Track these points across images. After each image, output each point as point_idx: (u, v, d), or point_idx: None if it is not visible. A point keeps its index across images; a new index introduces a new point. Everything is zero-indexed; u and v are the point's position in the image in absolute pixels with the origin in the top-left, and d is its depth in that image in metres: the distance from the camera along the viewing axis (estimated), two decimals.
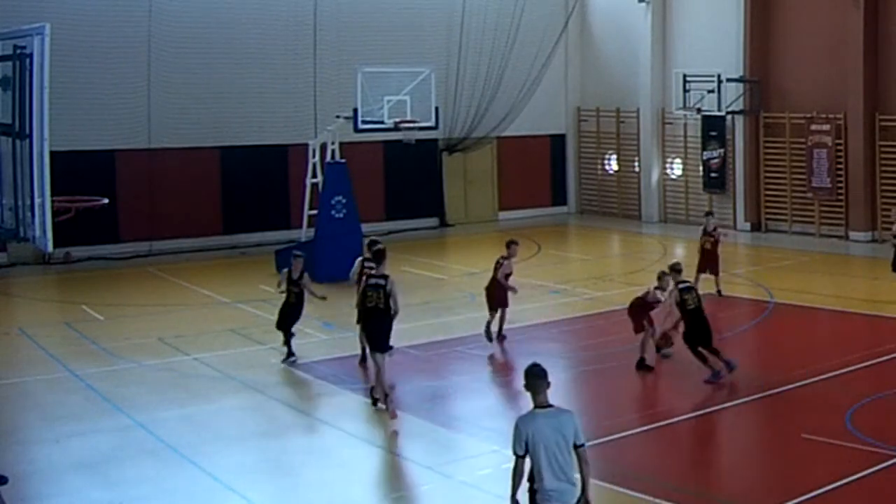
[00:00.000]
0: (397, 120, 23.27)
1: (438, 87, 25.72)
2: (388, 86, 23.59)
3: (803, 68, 28.55)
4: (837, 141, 27.67)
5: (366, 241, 17.45)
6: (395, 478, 11.97)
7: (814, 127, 28.08)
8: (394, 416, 13.36)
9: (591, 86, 34.60)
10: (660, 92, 31.93)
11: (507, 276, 17.35)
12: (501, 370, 16.61)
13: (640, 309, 15.88)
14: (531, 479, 7.90)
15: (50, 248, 9.87)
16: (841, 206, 27.86)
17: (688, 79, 30.03)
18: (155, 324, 19.20)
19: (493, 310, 17.25)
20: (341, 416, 14.53)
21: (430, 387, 15.36)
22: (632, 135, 33.30)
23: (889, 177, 27.03)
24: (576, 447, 7.87)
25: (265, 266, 24.69)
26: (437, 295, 21.28)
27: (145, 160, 27.59)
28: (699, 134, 31.15)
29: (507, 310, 17.45)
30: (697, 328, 14.77)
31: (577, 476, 7.99)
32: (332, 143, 24.01)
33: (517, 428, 7.82)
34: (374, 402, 14.00)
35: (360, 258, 15.11)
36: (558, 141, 35.21)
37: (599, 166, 34.60)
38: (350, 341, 16.78)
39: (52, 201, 9.67)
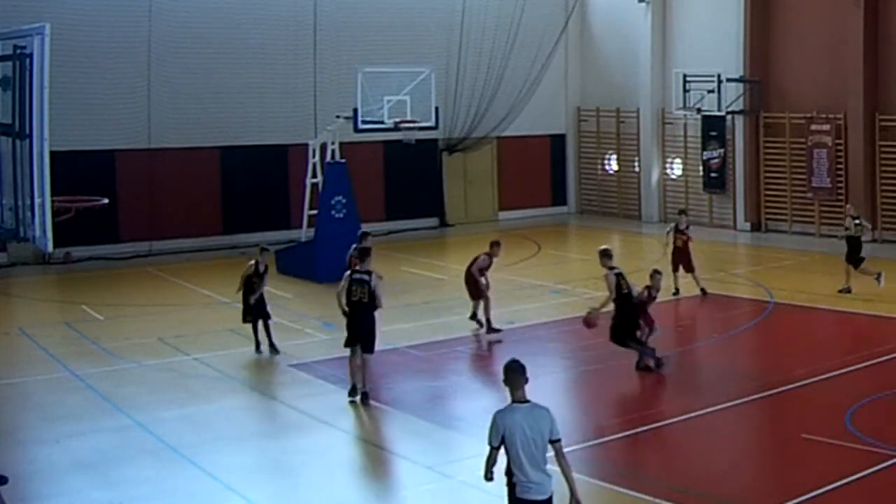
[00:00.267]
0: (397, 120, 23.26)
1: (438, 87, 25.71)
2: (388, 86, 23.58)
3: (803, 68, 28.55)
4: (837, 141, 27.67)
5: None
6: (395, 478, 11.97)
7: (814, 127, 28.09)
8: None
9: (591, 86, 34.61)
10: (660, 92, 31.94)
11: (482, 270, 18.07)
12: (500, 371, 16.59)
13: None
14: (509, 473, 8.12)
15: (50, 248, 9.88)
16: (841, 206, 27.80)
17: (688, 79, 30.04)
18: (155, 324, 19.20)
19: (472, 299, 18.16)
20: (341, 416, 14.53)
21: (430, 387, 15.38)
22: (632, 135, 33.30)
23: (889, 177, 27.04)
24: (552, 442, 8.10)
25: None
26: (437, 295, 21.28)
27: (145, 160, 27.59)
28: (699, 134, 31.15)
29: (490, 301, 18.04)
30: (627, 315, 15.25)
31: (551, 469, 8.22)
32: (332, 143, 24.00)
33: (494, 421, 8.06)
34: (364, 398, 14.33)
35: (347, 272, 14.96)
36: (558, 141, 35.22)
37: (599, 166, 34.61)
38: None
39: (52, 201, 9.67)
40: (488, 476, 8.25)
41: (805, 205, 28.77)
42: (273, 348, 17.09)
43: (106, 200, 13.02)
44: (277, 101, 29.15)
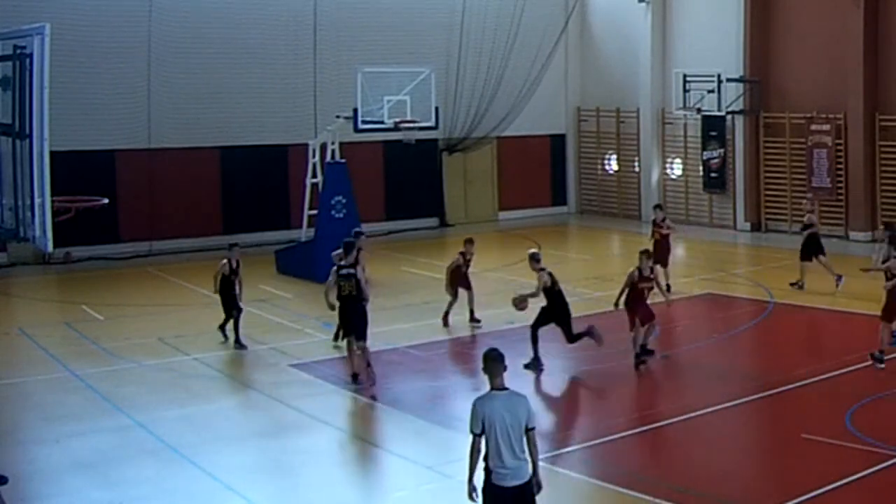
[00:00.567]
0: (397, 120, 23.26)
1: (438, 87, 25.71)
2: (388, 86, 23.58)
3: (803, 68, 28.55)
4: (837, 141, 27.67)
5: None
6: (395, 478, 11.96)
7: (814, 127, 28.09)
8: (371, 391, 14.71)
9: (591, 86, 34.61)
10: (660, 92, 31.94)
11: (458, 268, 18.73)
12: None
13: (635, 301, 15.88)
14: (485, 458, 8.30)
15: (50, 248, 9.88)
16: (841, 206, 27.86)
17: (688, 79, 30.04)
18: (155, 324, 19.21)
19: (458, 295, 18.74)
20: (341, 416, 14.56)
21: (430, 387, 15.38)
22: (632, 135, 33.30)
23: (889, 177, 27.04)
24: (527, 430, 8.29)
25: (265, 266, 24.70)
26: (437, 295, 21.20)
27: (145, 160, 27.60)
28: (699, 134, 31.15)
29: (471, 294, 18.71)
30: (554, 308, 15.89)
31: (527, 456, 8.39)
32: (332, 143, 24.00)
33: (474, 408, 8.27)
34: (355, 378, 15.04)
35: (333, 268, 15.48)
36: (558, 141, 35.22)
37: (599, 166, 34.61)
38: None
39: (52, 201, 9.67)
40: (472, 483, 8.35)
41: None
42: (239, 343, 17.36)
43: (106, 200, 13.01)
44: (277, 101, 29.15)
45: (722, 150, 30.50)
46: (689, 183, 31.90)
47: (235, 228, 28.50)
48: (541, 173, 34.95)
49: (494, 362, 8.36)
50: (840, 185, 27.81)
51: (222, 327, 17.82)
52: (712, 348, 17.33)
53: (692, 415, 13.39)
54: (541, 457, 11.74)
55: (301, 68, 29.59)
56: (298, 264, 23.55)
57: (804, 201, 23.31)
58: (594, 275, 23.30)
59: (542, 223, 32.61)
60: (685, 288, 21.80)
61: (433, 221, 32.52)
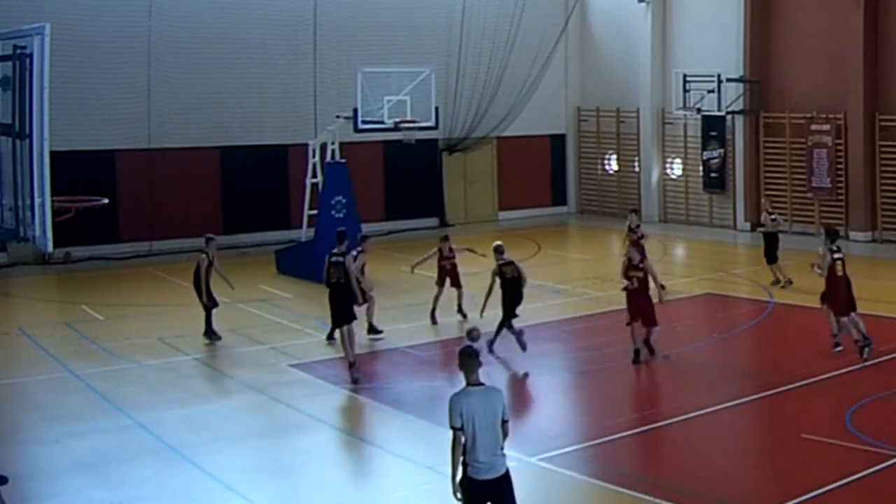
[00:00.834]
0: (397, 120, 23.26)
1: (438, 87, 25.70)
2: (388, 86, 23.58)
3: (803, 68, 28.55)
4: (837, 141, 27.67)
5: (358, 236, 18.91)
6: (395, 478, 11.96)
7: (814, 127, 28.08)
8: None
9: (591, 86, 34.61)
10: (660, 92, 31.94)
11: (447, 258, 19.37)
12: (500, 371, 16.60)
13: (634, 295, 15.90)
14: (462, 453, 8.48)
15: (50, 248, 9.86)
16: (841, 206, 27.85)
17: (688, 79, 30.04)
18: (155, 324, 19.21)
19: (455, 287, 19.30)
20: (341, 416, 14.57)
21: (430, 387, 15.36)
22: (632, 135, 33.30)
23: (889, 177, 27.04)
24: (502, 423, 8.51)
25: (265, 266, 24.72)
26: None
27: (145, 160, 27.60)
28: (699, 134, 31.16)
29: (460, 292, 19.18)
30: (510, 296, 16.60)
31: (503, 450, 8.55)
32: (332, 143, 24.00)
33: (452, 403, 8.44)
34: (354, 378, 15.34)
35: (327, 256, 16.17)
36: (558, 141, 35.22)
37: (599, 166, 34.61)
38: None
39: (52, 201, 9.66)
40: (456, 481, 8.48)
41: (805, 205, 28.76)
42: (209, 335, 17.73)
43: (106, 200, 12.98)
44: (277, 101, 29.16)
45: (722, 150, 30.50)
46: (689, 183, 31.91)
47: (235, 228, 28.53)
48: (541, 173, 34.96)
49: (470, 358, 8.57)
50: (840, 185, 27.81)
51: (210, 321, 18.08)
52: (712, 348, 17.32)
53: (692, 415, 13.39)
54: (541, 457, 11.88)
55: (301, 68, 29.59)
56: (298, 264, 23.55)
57: (763, 201, 23.82)
58: (594, 275, 23.31)
59: (542, 223, 32.62)
60: (685, 288, 21.80)
61: (433, 221, 32.52)
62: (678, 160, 32.31)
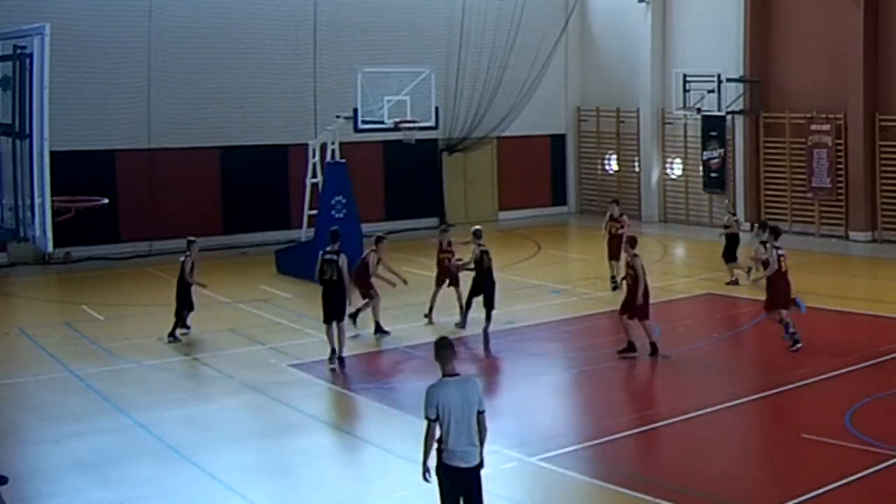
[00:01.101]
0: (397, 120, 23.25)
1: (438, 87, 25.69)
2: (388, 86, 23.58)
3: (803, 68, 28.55)
4: (837, 141, 27.66)
5: (372, 238, 19.14)
6: (395, 478, 11.95)
7: (814, 127, 28.08)
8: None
9: (591, 86, 34.61)
10: (660, 92, 31.94)
11: (445, 252, 19.51)
12: (501, 370, 16.62)
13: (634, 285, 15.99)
14: (439, 441, 8.64)
15: (50, 248, 9.86)
16: (841, 206, 27.85)
17: (688, 79, 30.03)
18: (155, 324, 19.18)
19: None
20: (341, 416, 14.57)
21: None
22: (632, 135, 33.30)
23: (889, 177, 27.03)
24: (478, 413, 8.64)
25: (265, 266, 24.72)
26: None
27: (145, 160, 27.59)
28: (699, 134, 31.15)
29: (458, 292, 19.02)
30: (482, 285, 17.45)
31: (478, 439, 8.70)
32: (332, 143, 24.00)
33: (429, 394, 8.58)
34: (340, 362, 16.01)
35: (320, 252, 16.52)
36: (558, 141, 35.22)
37: (599, 166, 34.61)
38: (350, 342, 16.90)
39: (52, 201, 9.66)
40: (426, 465, 8.72)
41: (805, 205, 28.76)
42: (176, 333, 17.88)
43: (106, 200, 12.98)
44: (277, 101, 29.15)
45: (722, 150, 30.50)
46: (689, 183, 31.90)
47: (235, 228, 28.54)
48: (541, 173, 34.95)
49: (445, 349, 8.70)
50: (840, 185, 27.80)
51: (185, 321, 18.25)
52: (712, 348, 17.32)
53: (692, 415, 13.38)
54: (541, 457, 11.88)
55: (301, 68, 29.58)
56: (298, 264, 23.51)
57: (726, 202, 24.31)
58: (594, 275, 23.29)
59: (542, 223, 32.61)
60: (685, 288, 21.81)
61: (433, 221, 32.47)
62: (678, 160, 32.31)
